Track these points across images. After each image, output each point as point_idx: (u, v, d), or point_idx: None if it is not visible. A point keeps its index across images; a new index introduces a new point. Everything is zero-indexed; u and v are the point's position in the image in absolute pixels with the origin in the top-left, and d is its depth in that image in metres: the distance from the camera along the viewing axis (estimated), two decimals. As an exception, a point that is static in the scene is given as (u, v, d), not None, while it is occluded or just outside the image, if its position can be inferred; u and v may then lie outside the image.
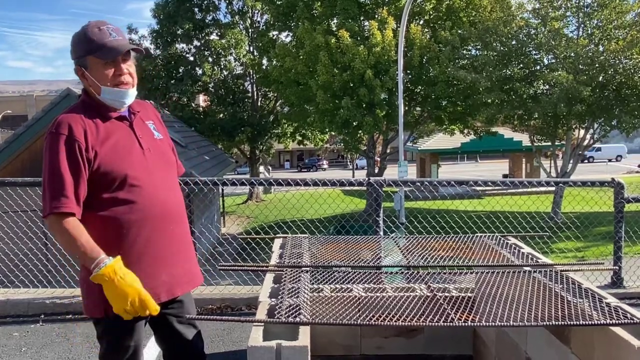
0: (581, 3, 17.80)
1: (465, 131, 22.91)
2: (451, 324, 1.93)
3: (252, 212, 24.77)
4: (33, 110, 36.93)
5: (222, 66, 26.26)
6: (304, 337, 1.75)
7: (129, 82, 1.93)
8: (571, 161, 19.62)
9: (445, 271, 2.71)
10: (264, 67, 24.80)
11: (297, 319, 1.83)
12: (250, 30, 26.94)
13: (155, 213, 1.91)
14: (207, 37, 26.17)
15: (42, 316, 3.93)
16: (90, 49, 1.88)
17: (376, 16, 19.53)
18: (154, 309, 1.79)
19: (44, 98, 40.98)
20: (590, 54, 16.67)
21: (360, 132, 20.20)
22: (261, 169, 31.90)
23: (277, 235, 3.29)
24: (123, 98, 1.93)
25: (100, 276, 1.74)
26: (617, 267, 4.19)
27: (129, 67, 1.94)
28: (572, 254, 11.12)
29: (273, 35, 24.55)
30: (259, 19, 27.08)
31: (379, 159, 23.97)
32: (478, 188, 23.30)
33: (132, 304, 1.75)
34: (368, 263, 2.74)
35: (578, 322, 1.85)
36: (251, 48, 26.78)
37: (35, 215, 5.72)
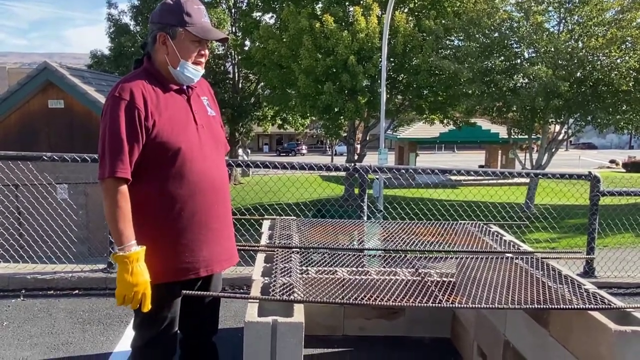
0: (563, -1, 18.05)
1: (445, 121, 23.13)
2: (438, 305, 2.00)
3: (230, 194, 24.68)
4: (5, 83, 35.89)
5: (203, 45, 25.81)
6: (299, 314, 1.80)
7: (204, 63, 1.99)
8: (546, 154, 20.03)
9: (429, 255, 2.79)
10: (246, 48, 24.51)
11: (292, 297, 1.88)
12: (233, 10, 26.55)
13: (202, 189, 1.94)
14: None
15: (23, 291, 3.90)
16: (185, 22, 1.90)
17: (361, 2, 19.46)
18: (147, 308, 1.84)
19: (17, 71, 39.85)
20: (569, 49, 16.96)
21: (341, 118, 20.21)
22: (240, 151, 31.70)
23: (265, 217, 3.33)
24: (195, 76, 1.98)
25: (123, 257, 1.78)
26: (594, 256, 4.35)
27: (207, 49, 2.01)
28: (544, 245, 11.43)
29: (256, 17, 24.25)
30: (242, -1, 26.72)
31: (358, 146, 24.05)
32: (454, 178, 23.68)
33: (135, 294, 1.79)
34: (357, 246, 2.80)
35: (559, 306, 1.94)
36: (234, 29, 26.41)
37: (7, 190, 5.61)
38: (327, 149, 52.09)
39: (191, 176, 1.91)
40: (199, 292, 1.99)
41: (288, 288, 1.96)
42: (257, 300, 1.88)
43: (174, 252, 1.91)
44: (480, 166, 33.22)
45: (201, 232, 1.95)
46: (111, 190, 1.80)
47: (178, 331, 2.08)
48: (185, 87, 2.00)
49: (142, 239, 1.84)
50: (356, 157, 23.08)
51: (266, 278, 2.14)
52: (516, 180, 22.09)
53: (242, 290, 4.04)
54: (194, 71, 1.96)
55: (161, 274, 1.86)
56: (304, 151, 54.07)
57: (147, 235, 1.86)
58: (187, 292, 1.89)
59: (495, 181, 21.08)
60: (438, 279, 2.59)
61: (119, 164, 1.80)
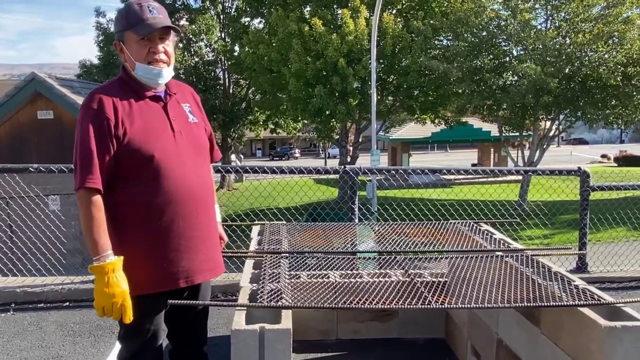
0: (550, -5, 18.14)
1: (436, 121, 23.19)
2: (427, 306, 1.99)
3: (220, 199, 24.62)
4: (-6, 94, 35.61)
5: (193, 52, 25.85)
6: (287, 320, 1.78)
7: (163, 61, 1.92)
8: (538, 151, 20.10)
9: (419, 257, 2.78)
10: (236, 53, 24.51)
11: (279, 303, 1.86)
12: (221, 16, 26.55)
13: (180, 197, 1.89)
14: (176, 23, 25.67)
15: (13, 305, 3.85)
16: (128, 24, 1.88)
17: (349, 4, 19.50)
18: (129, 319, 1.81)
19: (6, 82, 39.55)
20: (557, 46, 17.05)
21: (333, 120, 20.22)
22: (233, 157, 31.65)
23: (255, 222, 3.30)
24: (156, 77, 1.91)
25: (99, 268, 1.75)
26: (584, 251, 4.35)
27: (166, 46, 1.93)
28: (538, 241, 11.46)
29: (245, 22, 24.27)
30: (230, 4, 26.71)
31: (351, 148, 24.07)
32: (447, 177, 23.73)
33: (114, 305, 1.76)
34: (345, 249, 2.78)
35: (548, 304, 1.93)
36: (223, 34, 26.41)
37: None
38: (321, 152, 52.08)
39: (167, 184, 1.87)
40: (185, 302, 1.96)
41: (276, 294, 1.94)
42: (245, 308, 1.86)
43: (152, 262, 1.88)
44: (473, 165, 33.31)
45: (180, 242, 1.91)
46: (84, 201, 1.78)
47: (166, 342, 2.05)
48: (163, 95, 1.97)
49: (118, 250, 1.81)
50: (349, 159, 23.10)
51: (254, 284, 2.12)
52: (508, 177, 22.18)
53: (234, 297, 4.01)
54: (149, 71, 1.89)
55: (139, 285, 1.83)
56: (297, 155, 54.00)
57: (124, 245, 1.83)
58: (173, 301, 1.86)
59: (487, 179, 21.17)
60: (429, 280, 2.58)
61: (88, 174, 1.78)
